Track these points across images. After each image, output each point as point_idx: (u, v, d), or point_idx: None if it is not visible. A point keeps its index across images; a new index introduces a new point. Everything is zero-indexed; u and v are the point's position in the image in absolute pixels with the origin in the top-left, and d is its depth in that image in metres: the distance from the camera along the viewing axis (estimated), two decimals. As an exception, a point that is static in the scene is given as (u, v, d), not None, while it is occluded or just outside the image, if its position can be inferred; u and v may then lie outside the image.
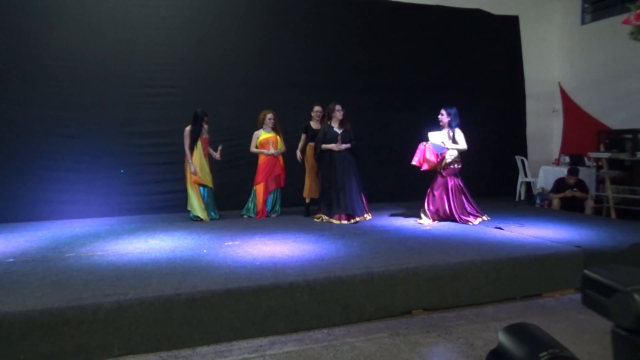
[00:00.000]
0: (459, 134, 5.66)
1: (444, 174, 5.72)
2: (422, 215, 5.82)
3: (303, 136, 6.35)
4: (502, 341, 0.67)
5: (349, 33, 7.66)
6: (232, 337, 3.09)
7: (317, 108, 6.32)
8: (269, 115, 6.21)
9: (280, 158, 6.32)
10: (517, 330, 0.66)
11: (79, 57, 6.27)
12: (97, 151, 6.37)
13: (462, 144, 5.62)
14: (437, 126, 5.50)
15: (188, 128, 5.91)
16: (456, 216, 5.66)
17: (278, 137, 6.28)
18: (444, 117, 5.72)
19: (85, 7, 6.31)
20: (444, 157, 5.65)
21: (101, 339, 2.82)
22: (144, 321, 2.91)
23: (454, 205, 5.69)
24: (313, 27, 7.47)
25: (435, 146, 5.64)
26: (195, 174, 5.89)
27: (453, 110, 5.73)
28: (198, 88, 6.81)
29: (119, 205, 6.47)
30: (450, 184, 5.72)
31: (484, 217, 5.74)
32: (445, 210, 5.72)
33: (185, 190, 6.06)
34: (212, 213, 6.07)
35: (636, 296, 0.60)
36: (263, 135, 6.24)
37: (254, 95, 6.93)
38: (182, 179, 6.50)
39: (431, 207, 5.78)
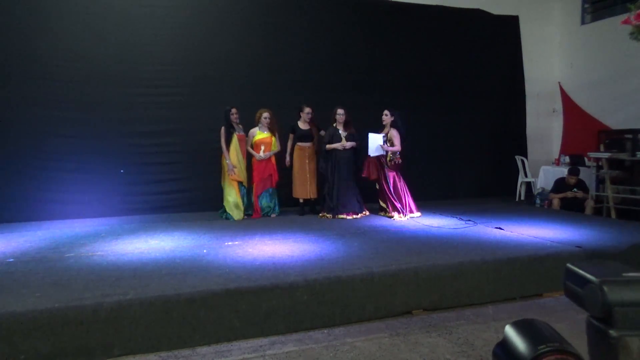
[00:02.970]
0: (395, 136, 6.09)
1: (391, 168, 6.16)
2: (394, 212, 6.10)
3: (291, 136, 6.45)
4: (508, 334, 0.70)
5: (348, 33, 7.66)
6: (232, 337, 3.09)
7: (307, 110, 6.38)
8: (265, 115, 6.22)
9: (273, 159, 6.33)
10: (522, 325, 0.71)
11: (79, 57, 6.27)
12: (97, 151, 6.36)
13: (397, 146, 6.06)
14: (437, 125, 5.64)
15: (223, 127, 5.98)
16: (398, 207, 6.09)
17: (273, 138, 6.29)
18: (387, 117, 6.18)
19: (85, 7, 6.30)
20: (387, 154, 6.11)
21: (101, 339, 2.82)
22: (144, 321, 2.91)
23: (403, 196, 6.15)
24: (313, 27, 7.47)
25: (372, 147, 6.03)
26: (233, 172, 5.93)
27: (397, 113, 6.20)
28: (198, 88, 6.81)
29: (119, 205, 6.47)
30: (397, 177, 6.19)
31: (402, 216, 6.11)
32: (400, 199, 6.14)
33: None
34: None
35: (605, 287, 0.64)
36: (258, 135, 6.25)
37: (254, 95, 6.92)
38: (184, 179, 6.58)
39: (397, 201, 6.16)
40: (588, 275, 0.69)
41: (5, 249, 4.38)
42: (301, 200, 6.48)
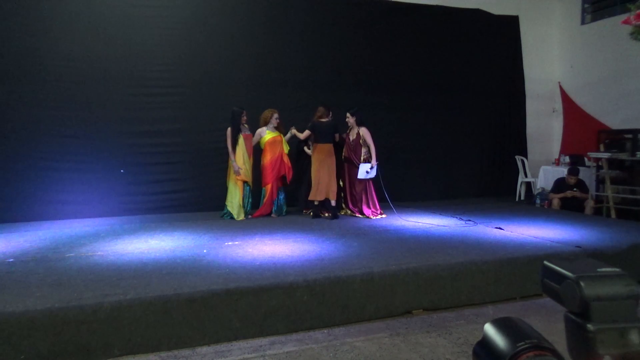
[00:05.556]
0: (366, 133, 6.09)
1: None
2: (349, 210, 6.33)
3: (306, 132, 6.32)
4: (488, 332, 0.71)
5: (349, 33, 7.66)
6: (232, 337, 3.09)
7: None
8: (276, 115, 6.23)
9: (287, 158, 6.32)
10: (501, 323, 0.71)
11: (80, 57, 6.26)
12: (97, 151, 6.36)
13: (372, 144, 6.07)
14: (437, 125, 5.63)
15: (229, 128, 5.96)
16: (367, 209, 6.19)
17: (282, 137, 6.30)
18: (350, 118, 6.15)
19: (85, 7, 6.30)
20: (361, 154, 6.11)
21: (101, 339, 2.82)
22: (144, 321, 2.91)
23: (367, 197, 6.23)
24: (313, 27, 7.47)
25: (361, 171, 6.07)
26: (238, 173, 5.93)
27: (356, 111, 6.17)
28: (198, 88, 6.80)
29: (119, 205, 6.46)
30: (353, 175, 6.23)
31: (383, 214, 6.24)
32: (361, 202, 6.22)
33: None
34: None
35: (581, 283, 0.66)
36: (268, 134, 6.24)
37: (254, 95, 6.92)
38: (184, 179, 6.58)
39: (351, 201, 6.32)
40: (564, 272, 0.69)
41: (5, 249, 4.38)
42: (316, 203, 6.17)
